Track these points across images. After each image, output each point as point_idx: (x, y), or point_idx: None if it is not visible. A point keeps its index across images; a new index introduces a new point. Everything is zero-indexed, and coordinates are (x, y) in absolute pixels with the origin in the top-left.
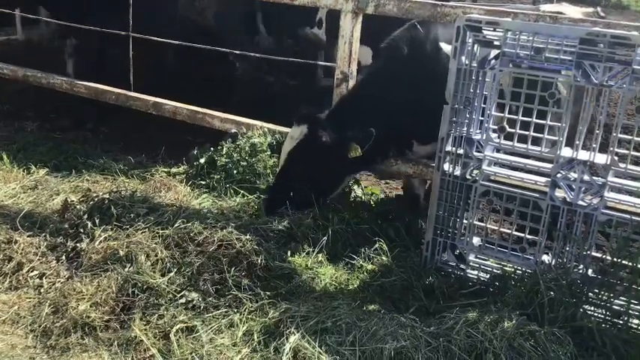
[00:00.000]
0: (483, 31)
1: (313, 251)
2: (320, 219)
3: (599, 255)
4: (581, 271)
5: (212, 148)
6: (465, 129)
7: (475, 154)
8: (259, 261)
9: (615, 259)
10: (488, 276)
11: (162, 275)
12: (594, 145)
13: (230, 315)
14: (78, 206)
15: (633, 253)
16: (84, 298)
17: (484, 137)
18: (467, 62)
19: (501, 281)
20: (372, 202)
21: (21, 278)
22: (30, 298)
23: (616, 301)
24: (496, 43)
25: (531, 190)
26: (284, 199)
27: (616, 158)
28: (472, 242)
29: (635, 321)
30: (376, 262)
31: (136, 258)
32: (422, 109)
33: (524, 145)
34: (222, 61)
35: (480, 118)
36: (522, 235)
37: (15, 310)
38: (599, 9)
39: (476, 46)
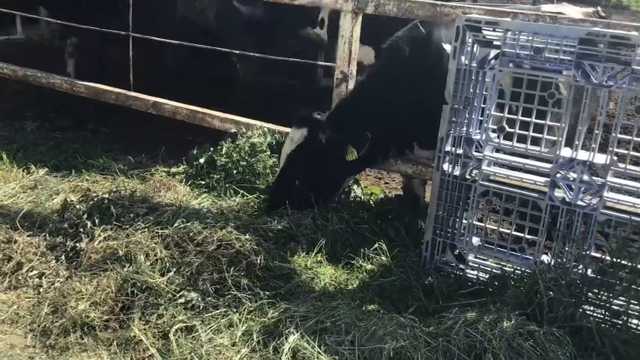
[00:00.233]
0: (483, 31)
1: (312, 251)
2: (319, 219)
3: (598, 255)
4: (580, 271)
5: (212, 148)
6: (465, 129)
7: (474, 154)
8: (259, 261)
9: (614, 259)
10: (487, 276)
11: (162, 275)
12: (594, 145)
13: (229, 315)
14: (77, 206)
15: (632, 253)
16: (83, 298)
17: (483, 137)
18: (466, 62)
19: (501, 281)
20: (371, 202)
21: (20, 278)
22: (29, 297)
23: (615, 301)
24: (496, 43)
25: (531, 190)
26: (284, 201)
27: (615, 158)
28: (471, 242)
29: (635, 321)
30: (375, 262)
31: (135, 258)
32: (423, 110)
33: (524, 145)
34: (223, 61)
35: (480, 118)
36: (522, 235)
37: (14, 310)
38: (599, 9)
39: (475, 46)
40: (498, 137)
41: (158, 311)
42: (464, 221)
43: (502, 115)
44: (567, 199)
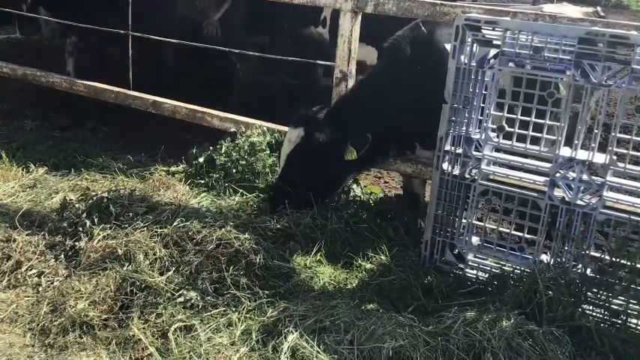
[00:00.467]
0: (482, 30)
1: (312, 250)
2: (319, 218)
3: (597, 254)
4: (579, 271)
5: (211, 147)
6: (464, 128)
7: (474, 153)
8: (258, 260)
9: (614, 259)
10: (486, 275)
11: (161, 274)
12: (593, 145)
13: (228, 314)
14: (77, 205)
15: (632, 252)
16: (82, 297)
17: (483, 136)
18: (466, 61)
19: (500, 280)
20: (371, 202)
21: (19, 277)
22: (28, 296)
23: (614, 300)
24: (495, 42)
25: (530, 190)
26: (284, 201)
27: (615, 158)
28: (471, 241)
29: (634, 320)
30: (375, 262)
31: (134, 257)
32: (424, 110)
33: (523, 145)
34: (223, 60)
35: (479, 117)
36: (521, 234)
37: (13, 309)
38: (599, 9)
39: (475, 45)
40: (498, 137)
41: (157, 310)
42: (463, 220)
43: (502, 114)
44: (567, 199)
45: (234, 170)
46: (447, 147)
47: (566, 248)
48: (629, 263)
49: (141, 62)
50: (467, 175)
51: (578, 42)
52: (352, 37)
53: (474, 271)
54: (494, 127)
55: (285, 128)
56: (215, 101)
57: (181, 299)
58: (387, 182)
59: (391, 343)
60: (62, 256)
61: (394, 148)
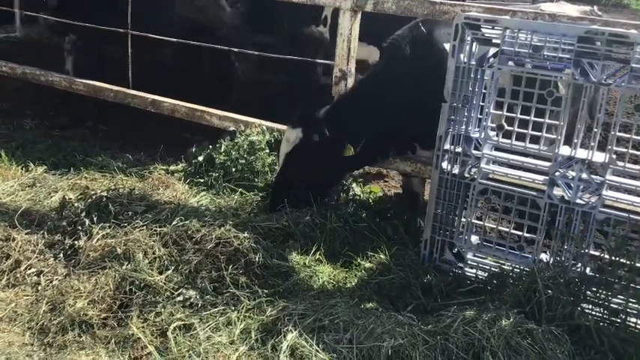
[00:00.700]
0: (482, 29)
1: (311, 249)
2: (318, 217)
3: (597, 253)
4: (579, 270)
5: (210, 146)
6: (464, 127)
7: (473, 152)
8: (257, 259)
9: (613, 258)
10: (486, 274)
11: (160, 273)
12: (593, 144)
13: (228, 313)
14: (76, 204)
15: (631, 251)
16: (81, 296)
17: (482, 135)
18: (465, 60)
19: (499, 279)
20: (370, 200)
21: (18, 276)
22: (27, 295)
23: (614, 299)
24: (495, 41)
25: (529, 189)
26: (283, 200)
27: (614, 156)
28: (470, 240)
29: (633, 319)
30: (374, 260)
31: (133, 256)
32: (423, 110)
33: (523, 144)
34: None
35: (479, 116)
36: (520, 233)
37: (12, 308)
38: (595, 8)
39: (474, 44)
40: (497, 135)
41: (156, 309)
42: (463, 219)
43: (501, 113)
44: (566, 198)
45: (233, 169)
46: (447, 146)
47: (565, 247)
48: (628, 262)
49: (140, 61)
50: (466, 174)
51: (577, 41)
52: (352, 36)
53: (474, 270)
54: (494, 125)
55: (284, 127)
56: (216, 100)
57: (180, 298)
58: (386, 181)
59: (390, 342)
60: (61, 255)
61: (394, 147)
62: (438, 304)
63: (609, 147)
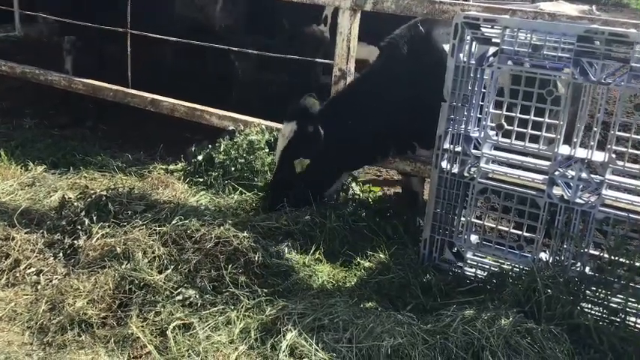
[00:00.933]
0: (481, 28)
1: (311, 248)
2: (317, 216)
3: (596, 253)
4: (578, 269)
5: (210, 146)
6: (463, 126)
7: (473, 151)
8: (256, 258)
9: (613, 257)
10: (485, 273)
11: (160, 272)
12: (592, 143)
13: (227, 312)
14: (75, 203)
15: (630, 250)
16: (81, 295)
17: (482, 135)
18: (465, 59)
19: (499, 279)
20: (370, 200)
21: (18, 275)
22: (27, 295)
23: (613, 298)
24: (494, 40)
25: (529, 188)
26: (282, 198)
27: (614, 156)
28: (470, 240)
29: (632, 318)
30: (373, 260)
31: (133, 255)
32: (421, 109)
33: (522, 143)
34: (222, 59)
35: (478, 115)
36: (520, 232)
37: (12, 307)
38: (594, 7)
39: (474, 43)
40: (497, 135)
41: (156, 308)
42: (462, 219)
43: (500, 112)
44: (566, 197)
45: (232, 168)
46: (446, 145)
47: (565, 246)
48: (627, 261)
49: (139, 60)
50: (466, 174)
51: (577, 40)
52: (351, 35)
53: (473, 270)
54: (493, 125)
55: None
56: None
57: (180, 297)
58: (386, 181)
59: (390, 341)
60: (61, 254)
61: (393, 147)
62: (437, 304)
63: (609, 146)
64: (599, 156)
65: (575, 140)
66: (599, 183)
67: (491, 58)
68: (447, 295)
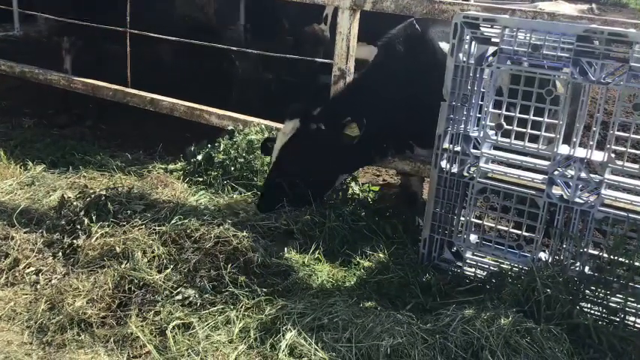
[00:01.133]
0: (481, 28)
1: (310, 248)
2: (317, 216)
3: (595, 252)
4: (577, 269)
5: (209, 145)
6: (463, 126)
7: (472, 151)
8: (256, 258)
9: (612, 257)
10: (485, 273)
11: (159, 272)
12: (591, 143)
13: (226, 312)
14: (75, 203)
15: (630, 250)
16: (80, 295)
17: (481, 134)
18: (464, 59)
19: (498, 278)
20: (369, 199)
21: (17, 274)
22: (26, 294)
23: (612, 298)
24: (494, 40)
25: (528, 188)
26: (278, 197)
27: (613, 156)
28: (469, 239)
29: (632, 318)
30: (373, 259)
31: (132, 254)
32: (417, 108)
33: (522, 143)
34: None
35: (478, 115)
36: (519, 232)
37: (11, 307)
38: (594, 6)
39: (473, 43)
40: (496, 134)
41: (155, 308)
42: (461, 218)
43: (500, 112)
44: (565, 197)
45: (232, 168)
46: (446, 145)
47: (564, 246)
48: (627, 261)
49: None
50: (465, 173)
51: (576, 40)
52: (351, 35)
53: (472, 269)
54: (493, 124)
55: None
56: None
57: (179, 297)
58: (385, 180)
59: (389, 340)
60: (60, 253)
61: (392, 146)
62: (436, 303)
63: (608, 146)
64: (598, 156)
65: (574, 140)
66: (599, 183)
67: (490, 58)
68: (447, 294)
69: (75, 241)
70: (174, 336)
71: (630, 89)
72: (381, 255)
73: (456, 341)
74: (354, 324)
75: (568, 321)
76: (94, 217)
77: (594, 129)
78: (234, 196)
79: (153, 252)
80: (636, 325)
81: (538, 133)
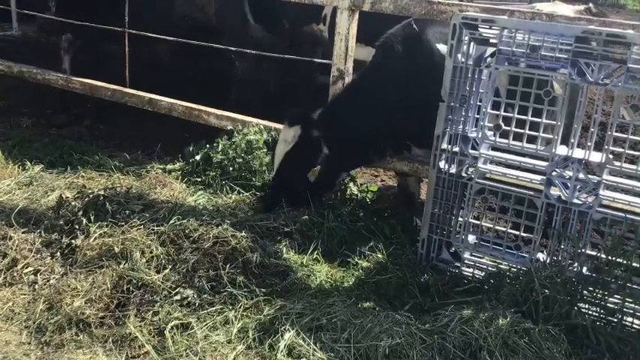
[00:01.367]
0: (479, 28)
1: (309, 248)
2: (315, 216)
3: (593, 253)
4: (575, 269)
5: (208, 145)
6: (461, 127)
7: (471, 151)
8: (254, 258)
9: (610, 258)
10: (483, 274)
11: (158, 272)
12: (589, 144)
13: (225, 312)
14: (73, 203)
15: (627, 251)
16: (78, 295)
17: (480, 135)
18: (463, 60)
19: (496, 279)
20: (367, 200)
21: (15, 274)
22: (24, 294)
23: (610, 299)
24: (492, 41)
25: (527, 188)
26: (282, 201)
27: (611, 156)
28: (467, 240)
29: (629, 319)
30: (371, 260)
31: (130, 255)
32: (415, 108)
33: (520, 143)
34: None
35: (476, 116)
36: (517, 232)
37: (9, 307)
38: (591, 5)
39: (472, 43)
40: (494, 135)
41: (154, 308)
42: (460, 219)
43: (498, 113)
44: (563, 197)
45: (230, 168)
46: (444, 145)
47: (562, 247)
48: (624, 262)
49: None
50: (463, 174)
51: (574, 41)
52: (349, 35)
53: (471, 270)
54: (491, 125)
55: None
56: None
57: (178, 297)
58: (383, 181)
59: (388, 341)
60: (58, 253)
61: (390, 147)
62: (435, 304)
63: (606, 147)
64: (596, 156)
65: (572, 141)
66: (597, 183)
67: (488, 59)
68: (445, 295)
69: (73, 241)
70: (172, 336)
71: (628, 90)
72: (379, 255)
73: (455, 341)
74: (352, 324)
75: (566, 321)
76: (92, 217)
77: (592, 130)
78: (233, 196)
79: (151, 252)
80: (634, 325)
81: (536, 134)
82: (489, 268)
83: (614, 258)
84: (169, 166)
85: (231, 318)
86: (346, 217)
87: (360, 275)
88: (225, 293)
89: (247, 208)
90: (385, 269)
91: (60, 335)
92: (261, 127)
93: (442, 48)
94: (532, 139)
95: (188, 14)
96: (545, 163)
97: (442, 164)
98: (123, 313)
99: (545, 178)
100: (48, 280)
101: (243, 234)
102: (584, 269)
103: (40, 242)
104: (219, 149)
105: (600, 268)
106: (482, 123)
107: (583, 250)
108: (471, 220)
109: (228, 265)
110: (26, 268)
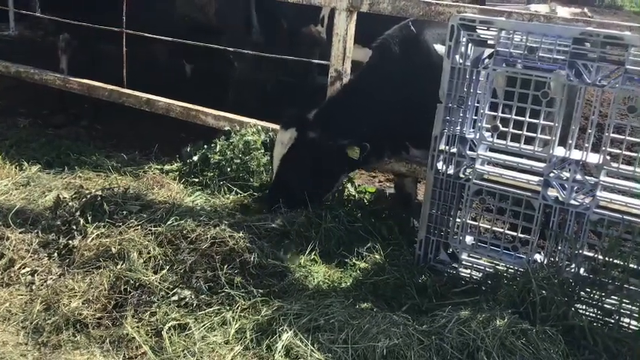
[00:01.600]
0: (477, 30)
1: (306, 249)
2: (313, 217)
3: (591, 254)
4: (572, 270)
5: (205, 146)
6: (459, 128)
7: (468, 153)
8: (252, 259)
9: (607, 259)
10: (480, 274)
11: (155, 272)
12: (587, 145)
13: (222, 312)
14: (70, 203)
15: (625, 252)
16: (76, 296)
17: (477, 136)
18: (460, 61)
19: (494, 280)
20: (365, 201)
21: (12, 275)
22: (21, 295)
23: (607, 300)
24: (490, 42)
25: (524, 189)
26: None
27: (608, 158)
28: (465, 241)
29: (626, 320)
30: (369, 261)
31: (128, 255)
32: (412, 109)
33: (517, 145)
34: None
35: (474, 117)
36: (515, 234)
37: (6, 307)
38: (586, 9)
39: (469, 45)
40: (492, 136)
41: (151, 309)
42: (457, 220)
43: (496, 114)
44: (560, 199)
45: (228, 169)
46: (442, 146)
47: (559, 248)
48: (622, 263)
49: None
50: (461, 175)
51: (572, 42)
52: (347, 36)
53: (468, 271)
54: (489, 126)
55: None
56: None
57: (175, 298)
58: (381, 182)
59: (385, 342)
60: (56, 254)
61: (388, 148)
62: (432, 305)
63: (603, 148)
64: (593, 158)
65: (570, 142)
66: (594, 185)
67: (486, 60)
68: (443, 295)
69: (70, 241)
70: (170, 337)
71: (625, 92)
72: (377, 256)
73: (452, 342)
74: (350, 325)
75: (563, 322)
76: (89, 218)
77: (590, 131)
78: (230, 197)
79: (149, 253)
80: (631, 326)
81: (534, 135)
82: (487, 269)
83: (611, 259)
84: (167, 167)
85: (228, 319)
86: (344, 218)
87: (357, 276)
88: (223, 294)
89: (240, 211)
90: (383, 270)
91: (57, 336)
92: (259, 127)
93: (439, 49)
94: (530, 141)
95: (188, 14)
96: (542, 165)
97: (440, 165)
98: (120, 314)
99: (542, 179)
100: (45, 281)
101: (241, 235)
102: (582, 270)
103: (37, 243)
104: (217, 150)
105: (597, 270)
106: (479, 124)
107: (580, 252)
108: (468, 221)
109: (225, 266)
110: (23, 268)
